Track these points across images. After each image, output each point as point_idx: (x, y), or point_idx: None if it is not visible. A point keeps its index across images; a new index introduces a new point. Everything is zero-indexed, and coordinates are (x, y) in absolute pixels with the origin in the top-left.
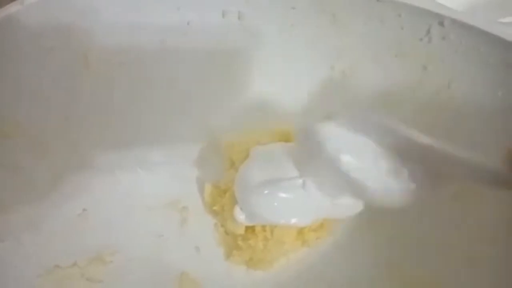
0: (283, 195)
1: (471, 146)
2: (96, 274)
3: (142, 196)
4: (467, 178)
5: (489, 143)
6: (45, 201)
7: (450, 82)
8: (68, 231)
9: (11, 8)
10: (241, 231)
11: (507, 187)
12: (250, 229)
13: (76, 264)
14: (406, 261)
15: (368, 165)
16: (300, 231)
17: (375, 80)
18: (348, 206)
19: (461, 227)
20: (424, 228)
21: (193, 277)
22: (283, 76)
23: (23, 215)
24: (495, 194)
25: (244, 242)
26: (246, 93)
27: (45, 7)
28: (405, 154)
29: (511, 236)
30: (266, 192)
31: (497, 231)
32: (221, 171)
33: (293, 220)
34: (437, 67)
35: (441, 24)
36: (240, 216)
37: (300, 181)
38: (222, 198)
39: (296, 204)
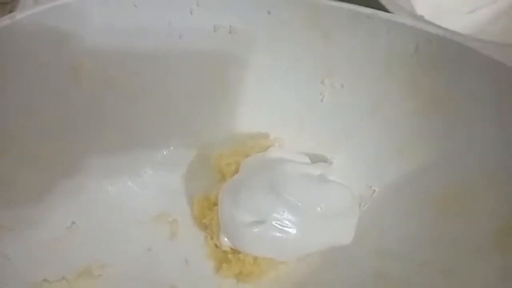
0: (273, 233)
1: (469, 145)
2: None
3: (131, 209)
4: None
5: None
6: (33, 214)
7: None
8: (57, 244)
9: (0, 23)
10: (228, 248)
11: None
12: None
13: (65, 278)
14: (394, 273)
15: None
16: None
17: (366, 95)
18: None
19: (443, 241)
20: (409, 241)
21: None
22: (274, 89)
23: (10, 228)
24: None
25: (233, 255)
26: (236, 105)
27: (36, 22)
28: None
29: (498, 249)
30: (256, 230)
31: (485, 244)
32: (211, 184)
33: (281, 257)
34: (428, 80)
35: (430, 41)
36: (226, 244)
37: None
38: (211, 211)
39: (286, 241)
